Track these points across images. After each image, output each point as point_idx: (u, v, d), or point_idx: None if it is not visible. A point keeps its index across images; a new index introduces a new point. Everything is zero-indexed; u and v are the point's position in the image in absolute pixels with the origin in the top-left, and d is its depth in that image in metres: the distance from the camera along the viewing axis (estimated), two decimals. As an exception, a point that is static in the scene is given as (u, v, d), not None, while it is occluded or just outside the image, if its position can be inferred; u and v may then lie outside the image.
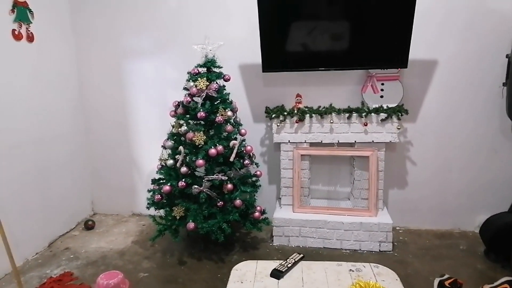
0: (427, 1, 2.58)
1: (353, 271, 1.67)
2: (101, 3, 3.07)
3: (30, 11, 2.66)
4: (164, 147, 2.63)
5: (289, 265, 1.71)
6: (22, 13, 2.59)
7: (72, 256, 2.70)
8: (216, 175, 2.47)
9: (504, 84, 2.60)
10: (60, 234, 3.03)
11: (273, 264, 1.74)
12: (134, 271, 2.47)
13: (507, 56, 2.50)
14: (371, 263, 1.75)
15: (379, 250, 2.65)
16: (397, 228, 2.99)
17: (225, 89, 2.61)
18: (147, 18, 3.02)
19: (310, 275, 1.65)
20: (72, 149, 3.18)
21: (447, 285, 2.06)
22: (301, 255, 1.81)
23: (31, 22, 2.67)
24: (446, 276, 2.13)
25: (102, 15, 3.09)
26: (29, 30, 2.66)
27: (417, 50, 2.64)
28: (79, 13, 3.12)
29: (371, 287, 1.45)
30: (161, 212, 2.65)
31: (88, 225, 3.14)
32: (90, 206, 3.48)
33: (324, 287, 1.55)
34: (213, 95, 2.47)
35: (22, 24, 2.60)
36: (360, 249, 2.68)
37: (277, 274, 1.65)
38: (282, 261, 1.76)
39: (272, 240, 2.81)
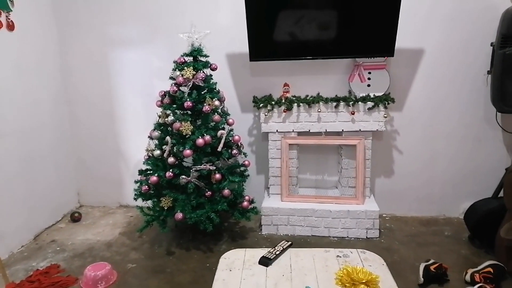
0: (413, -11, 2.59)
1: (340, 257, 1.69)
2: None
3: (11, 0, 2.59)
4: (151, 137, 2.60)
5: (277, 253, 1.72)
6: (1, 0, 2.51)
7: (58, 248, 2.67)
8: (204, 165, 2.46)
9: (488, 72, 2.63)
10: (46, 227, 2.99)
11: (262, 252, 1.74)
12: (121, 262, 2.46)
13: (491, 44, 2.53)
14: (358, 249, 1.77)
15: (366, 237, 2.69)
16: (384, 215, 3.03)
17: (212, 79, 2.58)
18: (132, 6, 2.96)
19: (298, 262, 1.66)
20: (56, 139, 3.13)
21: (433, 269, 2.10)
22: (289, 243, 1.82)
23: (11, 10, 2.60)
24: (431, 261, 2.18)
25: (85, 3, 3.02)
26: (9, 18, 2.58)
27: (403, 39, 2.65)
28: (62, 1, 3.04)
29: (358, 272, 1.47)
30: (149, 203, 2.63)
31: (75, 217, 3.10)
32: (76, 198, 3.44)
33: (312, 273, 1.56)
34: (200, 84, 2.45)
35: (2, 12, 2.52)
36: (347, 237, 2.71)
37: (265, 261, 1.66)
38: (270, 248, 1.77)
39: (261, 229, 2.82)
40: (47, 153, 3.01)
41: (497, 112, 2.65)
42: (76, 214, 3.12)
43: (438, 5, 2.65)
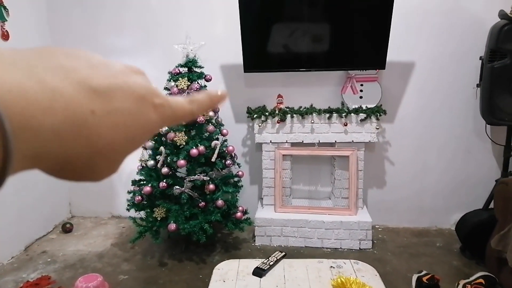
0: (404, 5, 2.65)
1: (333, 267, 1.70)
2: (79, 2, 3.02)
3: (5, 8, 2.59)
4: (144, 147, 2.60)
5: (271, 263, 1.72)
6: (-4, 10, 2.53)
7: (49, 259, 2.63)
8: (198, 175, 2.46)
9: (478, 85, 2.69)
10: (37, 238, 2.95)
11: (255, 262, 1.74)
12: (113, 273, 2.43)
13: (480, 58, 2.59)
14: (351, 260, 1.77)
15: (359, 248, 2.70)
16: (377, 226, 3.04)
17: (206, 89, 2.60)
18: (127, 17, 2.99)
19: (291, 273, 1.66)
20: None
21: (425, 281, 2.11)
22: (283, 253, 1.83)
23: (6, 20, 2.61)
24: (423, 272, 2.19)
25: (80, 13, 3.04)
26: (4, 28, 2.59)
27: (395, 53, 2.70)
28: (57, 10, 3.06)
29: (351, 282, 1.47)
30: (142, 213, 2.62)
31: (66, 228, 3.07)
32: (67, 208, 3.40)
33: (305, 284, 1.57)
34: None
35: (-3, 21, 2.54)
36: (340, 248, 2.71)
37: (259, 272, 1.65)
38: (264, 259, 1.77)
39: (254, 240, 2.82)
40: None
41: (487, 124, 2.70)
42: (68, 225, 3.08)
43: (428, 20, 2.71)
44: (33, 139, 0.20)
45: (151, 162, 2.49)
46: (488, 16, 2.58)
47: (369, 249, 2.69)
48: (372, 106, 2.73)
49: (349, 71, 2.77)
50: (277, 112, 2.76)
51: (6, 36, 2.61)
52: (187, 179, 2.44)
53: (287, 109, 2.78)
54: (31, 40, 2.89)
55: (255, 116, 2.77)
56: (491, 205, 2.45)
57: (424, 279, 2.12)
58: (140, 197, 2.51)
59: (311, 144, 2.81)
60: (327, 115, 2.73)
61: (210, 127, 2.52)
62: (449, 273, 2.35)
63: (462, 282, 2.12)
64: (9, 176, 0.21)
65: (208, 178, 2.47)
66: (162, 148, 2.48)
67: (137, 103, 0.25)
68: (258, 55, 2.68)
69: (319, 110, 2.74)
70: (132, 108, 0.24)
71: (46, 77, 0.21)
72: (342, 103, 2.85)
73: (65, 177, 0.25)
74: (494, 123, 2.60)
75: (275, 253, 1.83)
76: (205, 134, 2.53)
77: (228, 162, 2.60)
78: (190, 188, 2.44)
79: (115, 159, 0.26)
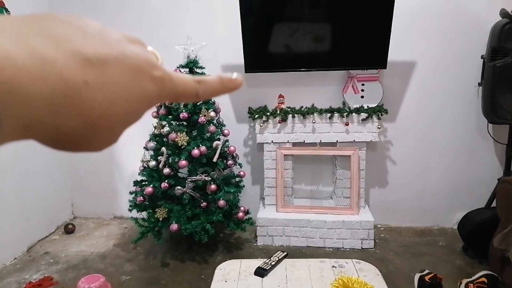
0: (406, 5, 2.64)
1: (335, 267, 1.69)
2: (81, 3, 3.03)
3: (7, 10, 2.60)
4: (146, 148, 2.61)
5: (273, 263, 1.72)
6: (-2, 12, 2.53)
7: (52, 260, 2.64)
8: (199, 176, 2.46)
9: (479, 84, 2.68)
10: (39, 238, 2.96)
11: (257, 262, 1.74)
12: (116, 274, 2.44)
13: (482, 57, 2.59)
14: (353, 260, 1.77)
15: (361, 248, 2.69)
16: (379, 225, 3.04)
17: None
18: (128, 17, 2.99)
19: (293, 272, 1.66)
20: (50, 150, 3.10)
21: (427, 280, 2.11)
22: (285, 253, 1.82)
23: (8, 22, 2.61)
24: (426, 272, 2.18)
25: (82, 14, 3.03)
26: (5, 30, 2.59)
27: (396, 52, 2.69)
28: (58, 10, 3.06)
29: (353, 282, 1.47)
30: (144, 214, 2.62)
31: (68, 229, 3.07)
32: (70, 209, 3.41)
33: (307, 283, 1.56)
34: (196, 95, 2.47)
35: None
36: (342, 247, 2.71)
37: (261, 272, 1.65)
38: (266, 259, 1.77)
39: (256, 240, 2.82)
40: (41, 164, 3.00)
41: (489, 123, 2.69)
42: (70, 226, 3.09)
43: (430, 19, 2.71)
44: (22, 107, 0.19)
45: (152, 163, 2.50)
46: (489, 14, 2.57)
47: (371, 248, 2.69)
48: (374, 105, 2.72)
49: (350, 71, 2.76)
50: (278, 112, 2.76)
51: (7, 38, 2.61)
52: (189, 180, 2.44)
53: (289, 109, 2.78)
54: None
55: (256, 116, 2.77)
56: (494, 204, 2.45)
57: (427, 278, 2.12)
58: (142, 197, 2.51)
59: (313, 144, 2.81)
60: (329, 114, 2.73)
61: (212, 128, 2.52)
62: (452, 272, 2.34)
63: (464, 281, 2.11)
64: (0, 144, 0.20)
65: (210, 179, 2.47)
66: (163, 148, 2.48)
67: (133, 75, 0.24)
68: (259, 55, 2.68)
69: (321, 110, 2.74)
70: (127, 80, 0.24)
71: (37, 45, 0.20)
72: (344, 103, 2.85)
73: (61, 148, 0.24)
74: (496, 122, 2.59)
75: (277, 253, 1.82)
76: (207, 134, 2.53)
77: (230, 162, 2.60)
78: (191, 189, 2.44)
79: (113, 130, 0.25)
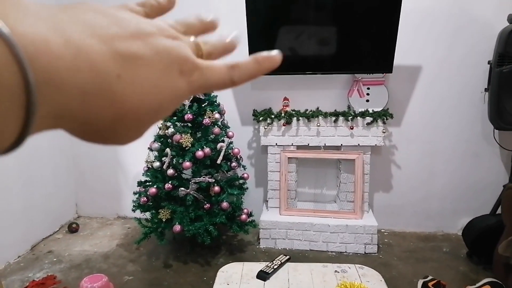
0: (412, 8, 2.63)
1: (338, 272, 1.69)
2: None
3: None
4: (150, 149, 2.61)
5: (275, 267, 1.72)
6: None
7: (55, 259, 2.65)
8: (203, 177, 2.46)
9: (486, 90, 2.66)
10: (43, 237, 2.97)
11: (259, 266, 1.74)
12: (118, 274, 2.44)
13: (489, 62, 2.57)
14: (356, 265, 1.76)
15: (365, 252, 2.68)
16: (382, 230, 3.02)
17: (212, 92, 2.61)
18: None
19: (296, 277, 1.65)
20: (55, 150, 3.13)
21: (431, 286, 2.09)
22: (287, 257, 1.82)
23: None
24: (429, 278, 2.17)
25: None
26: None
27: (402, 56, 2.68)
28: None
29: (356, 287, 1.46)
30: (147, 214, 2.63)
31: (72, 228, 3.09)
32: (74, 208, 3.43)
33: (309, 288, 1.56)
34: (201, 97, 2.48)
35: None
36: (345, 251, 2.70)
37: (263, 275, 1.65)
38: (268, 262, 1.76)
39: (259, 243, 2.81)
40: (45, 163, 3.02)
41: (495, 129, 2.67)
42: (74, 225, 3.11)
43: (436, 24, 2.69)
44: (56, 96, 0.19)
45: (157, 164, 2.50)
46: (496, 20, 2.55)
47: (375, 253, 2.68)
48: (379, 109, 2.71)
49: (355, 75, 2.76)
50: (283, 114, 2.76)
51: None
52: (193, 181, 2.45)
53: (293, 112, 2.78)
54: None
55: (261, 118, 2.77)
56: (499, 211, 2.43)
57: (430, 284, 2.10)
58: (145, 198, 2.52)
59: (317, 147, 2.80)
60: (333, 118, 2.72)
61: (216, 129, 2.52)
62: (456, 279, 2.33)
63: (468, 288, 2.10)
64: (32, 133, 0.20)
65: (214, 180, 2.47)
66: (168, 150, 2.49)
67: (164, 71, 0.24)
68: (265, 58, 2.67)
69: (325, 113, 2.73)
70: (158, 76, 0.24)
71: (72, 33, 0.20)
72: (349, 107, 2.84)
73: (89, 139, 0.25)
74: (502, 128, 2.57)
75: (279, 257, 1.82)
76: (211, 136, 2.53)
77: (234, 164, 2.60)
78: (195, 190, 2.45)
79: (141, 125, 0.25)
